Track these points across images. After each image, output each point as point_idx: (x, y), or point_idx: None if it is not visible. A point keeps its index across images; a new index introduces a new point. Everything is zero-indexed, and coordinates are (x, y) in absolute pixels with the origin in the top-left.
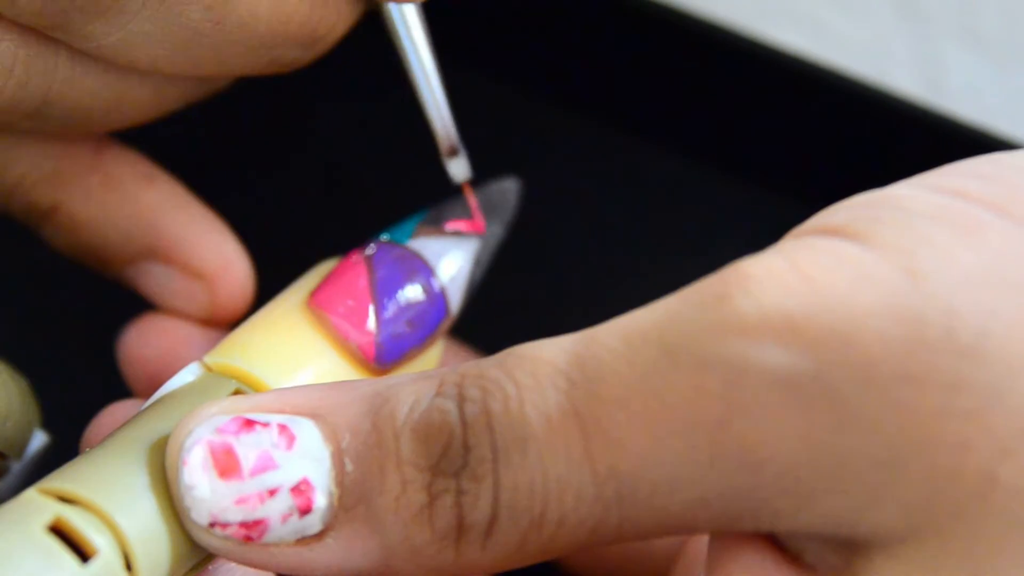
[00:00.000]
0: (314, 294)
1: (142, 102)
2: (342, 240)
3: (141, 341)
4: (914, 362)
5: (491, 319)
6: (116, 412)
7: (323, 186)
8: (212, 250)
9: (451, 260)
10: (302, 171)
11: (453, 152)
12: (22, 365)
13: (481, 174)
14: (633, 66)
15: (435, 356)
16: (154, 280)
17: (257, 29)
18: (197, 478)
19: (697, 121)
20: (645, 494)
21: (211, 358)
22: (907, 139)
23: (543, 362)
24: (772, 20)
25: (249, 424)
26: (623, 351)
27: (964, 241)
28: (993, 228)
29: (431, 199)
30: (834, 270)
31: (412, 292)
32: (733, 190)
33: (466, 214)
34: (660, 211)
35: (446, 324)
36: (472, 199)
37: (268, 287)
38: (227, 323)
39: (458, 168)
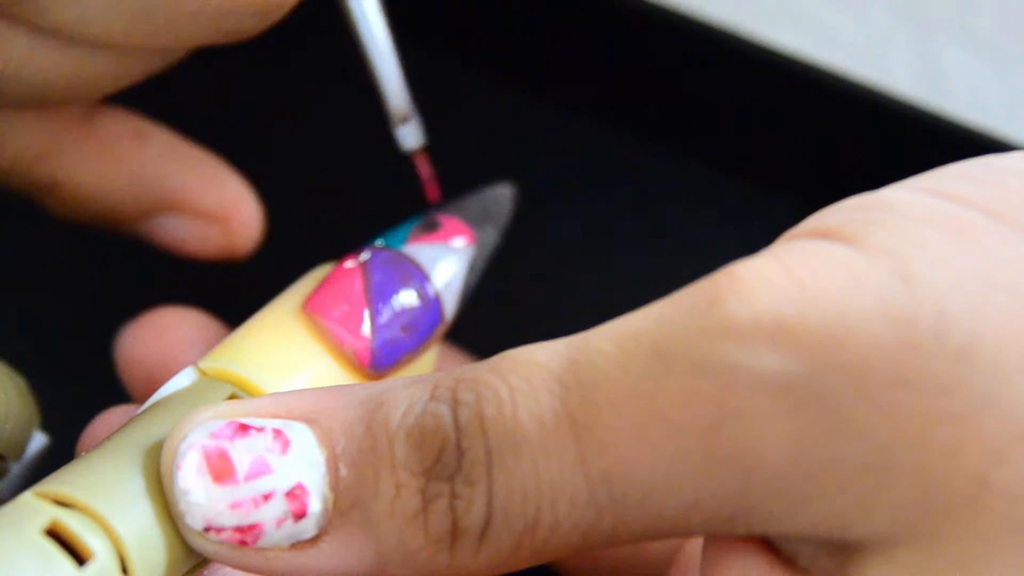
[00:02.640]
0: (309, 299)
1: (102, 75)
2: (336, 245)
3: (138, 344)
4: (906, 366)
5: (487, 321)
6: (111, 417)
7: (316, 190)
8: (219, 192)
9: (445, 266)
10: (295, 175)
11: (404, 119)
12: (21, 365)
13: (479, 175)
14: (632, 67)
15: (430, 361)
16: (168, 231)
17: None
18: (191, 483)
19: (697, 121)
20: (638, 498)
21: (206, 363)
22: (906, 139)
23: (537, 366)
24: (772, 21)
25: (244, 429)
26: (616, 355)
27: (956, 244)
28: (985, 231)
29: (425, 204)
30: (826, 273)
31: (407, 297)
32: (733, 190)
33: (464, 218)
34: (660, 211)
35: (441, 329)
36: (425, 168)
37: (263, 292)
38: (243, 258)
39: (410, 135)
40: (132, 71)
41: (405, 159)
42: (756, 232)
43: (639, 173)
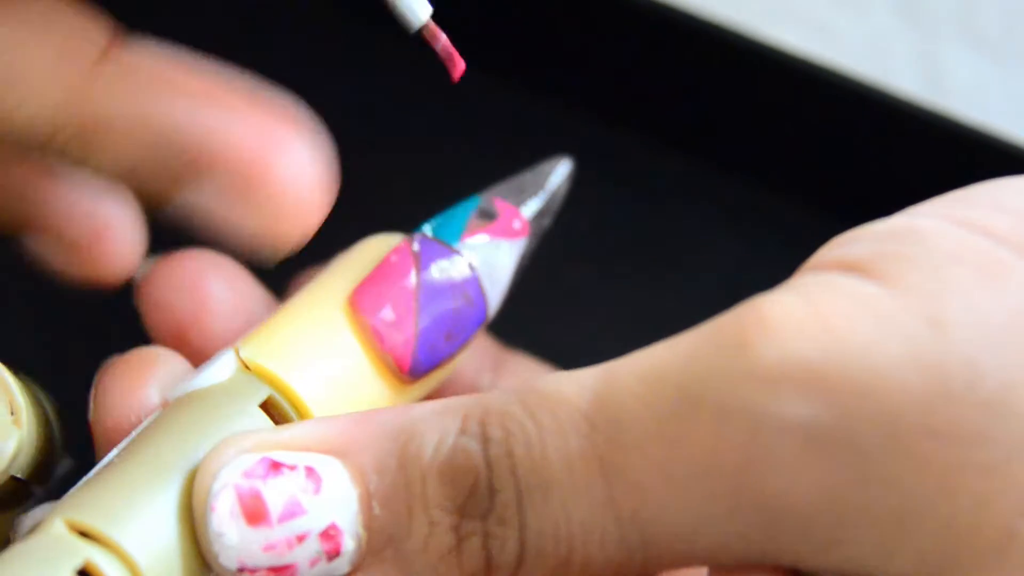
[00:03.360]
0: (357, 292)
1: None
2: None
3: (164, 286)
4: (936, 415)
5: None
6: (132, 365)
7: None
8: (84, 217)
9: (499, 266)
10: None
11: None
12: (33, 375)
13: (480, 175)
14: (633, 66)
15: (460, 357)
16: (36, 248)
17: None
18: (225, 526)
19: (697, 121)
20: (667, 539)
21: (247, 352)
22: (907, 139)
23: (564, 403)
24: (772, 20)
25: (276, 467)
26: (643, 394)
27: (989, 287)
28: (1019, 273)
29: (445, 172)
30: (856, 316)
31: (456, 303)
32: (733, 190)
33: (516, 201)
34: (660, 210)
35: (481, 329)
36: (439, 40)
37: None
38: (118, 285)
39: (411, 12)
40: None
41: (408, 150)
42: (756, 232)
43: (638, 172)
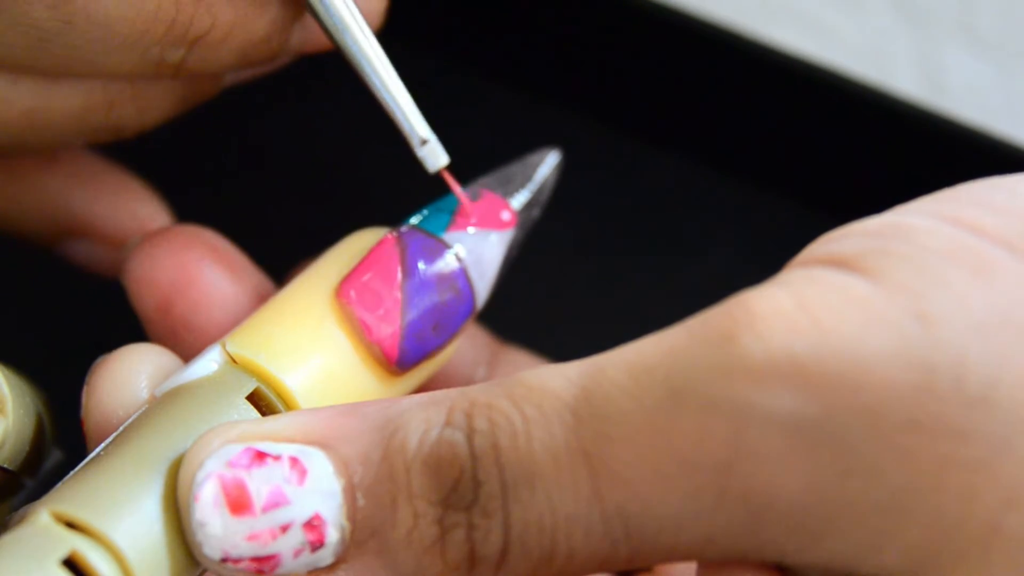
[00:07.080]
0: (343, 284)
1: (60, 110)
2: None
3: (149, 264)
4: (922, 410)
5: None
6: (129, 360)
7: (316, 173)
8: (128, 216)
9: (487, 258)
10: (296, 155)
11: (423, 142)
12: (28, 372)
13: (477, 177)
14: (633, 66)
15: (451, 349)
16: (79, 255)
17: (114, 28)
18: (208, 515)
19: (697, 121)
20: (652, 531)
21: (234, 347)
22: (907, 139)
23: (550, 395)
24: (772, 20)
25: (260, 457)
26: (629, 388)
27: (977, 283)
28: (1006, 270)
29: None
30: (842, 310)
31: (443, 295)
32: (732, 191)
33: (504, 192)
34: (659, 211)
35: (469, 321)
36: (455, 186)
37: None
38: None
39: (431, 156)
40: (99, 107)
41: (403, 150)
42: (755, 232)
43: (637, 173)
